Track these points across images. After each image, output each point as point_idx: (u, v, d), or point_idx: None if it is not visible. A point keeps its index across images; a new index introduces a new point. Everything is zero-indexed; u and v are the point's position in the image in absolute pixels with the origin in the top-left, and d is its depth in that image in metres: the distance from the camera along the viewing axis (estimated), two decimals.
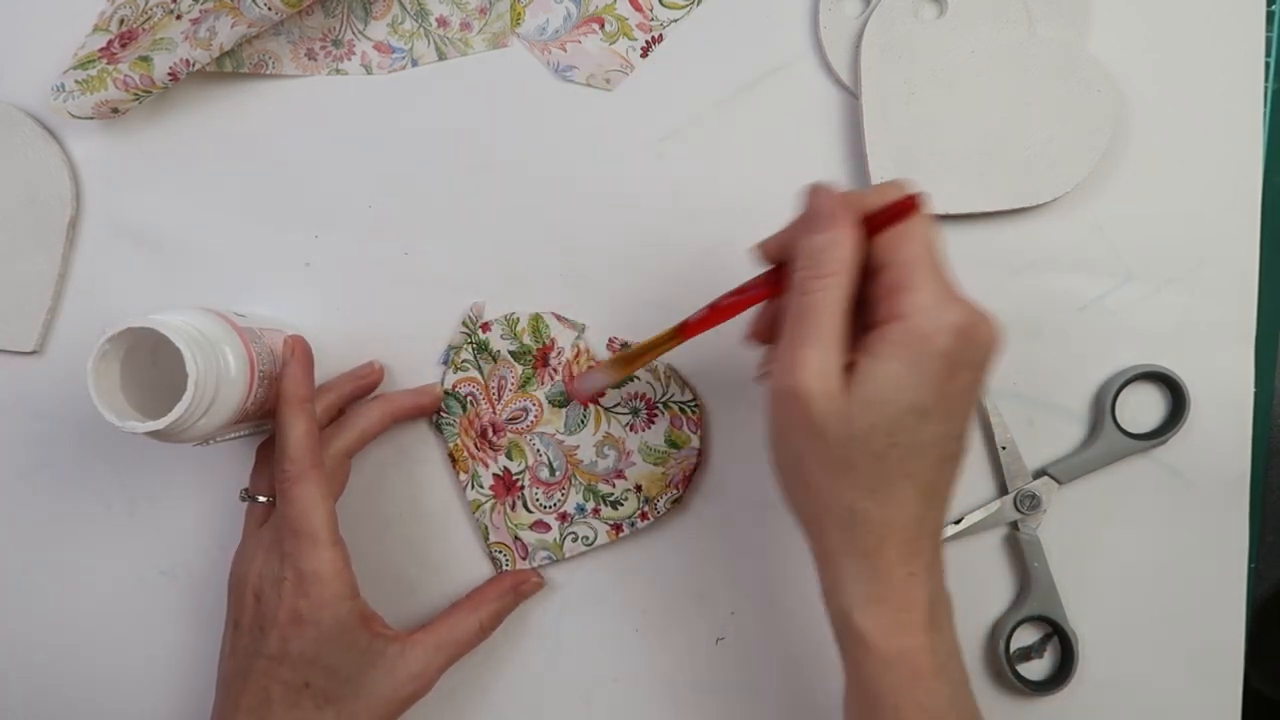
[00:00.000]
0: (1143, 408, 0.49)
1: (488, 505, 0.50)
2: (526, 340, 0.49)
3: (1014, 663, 0.49)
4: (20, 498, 0.51)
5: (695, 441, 0.49)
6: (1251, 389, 0.49)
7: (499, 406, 0.49)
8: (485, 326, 0.49)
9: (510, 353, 0.49)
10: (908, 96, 0.47)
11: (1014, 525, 0.49)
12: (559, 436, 0.49)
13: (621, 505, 0.49)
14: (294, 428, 0.43)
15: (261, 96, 0.50)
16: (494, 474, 0.50)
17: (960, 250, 0.49)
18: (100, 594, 0.51)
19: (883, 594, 0.35)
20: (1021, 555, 0.49)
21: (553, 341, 0.49)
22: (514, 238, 0.50)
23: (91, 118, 0.47)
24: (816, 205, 0.35)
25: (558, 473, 0.49)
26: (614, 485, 0.49)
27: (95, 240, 0.50)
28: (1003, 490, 0.49)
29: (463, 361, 0.49)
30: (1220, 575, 0.49)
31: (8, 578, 0.51)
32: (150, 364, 0.42)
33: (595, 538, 0.49)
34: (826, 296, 0.34)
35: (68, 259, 0.50)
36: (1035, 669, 0.50)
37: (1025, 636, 0.50)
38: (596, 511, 0.49)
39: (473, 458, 0.50)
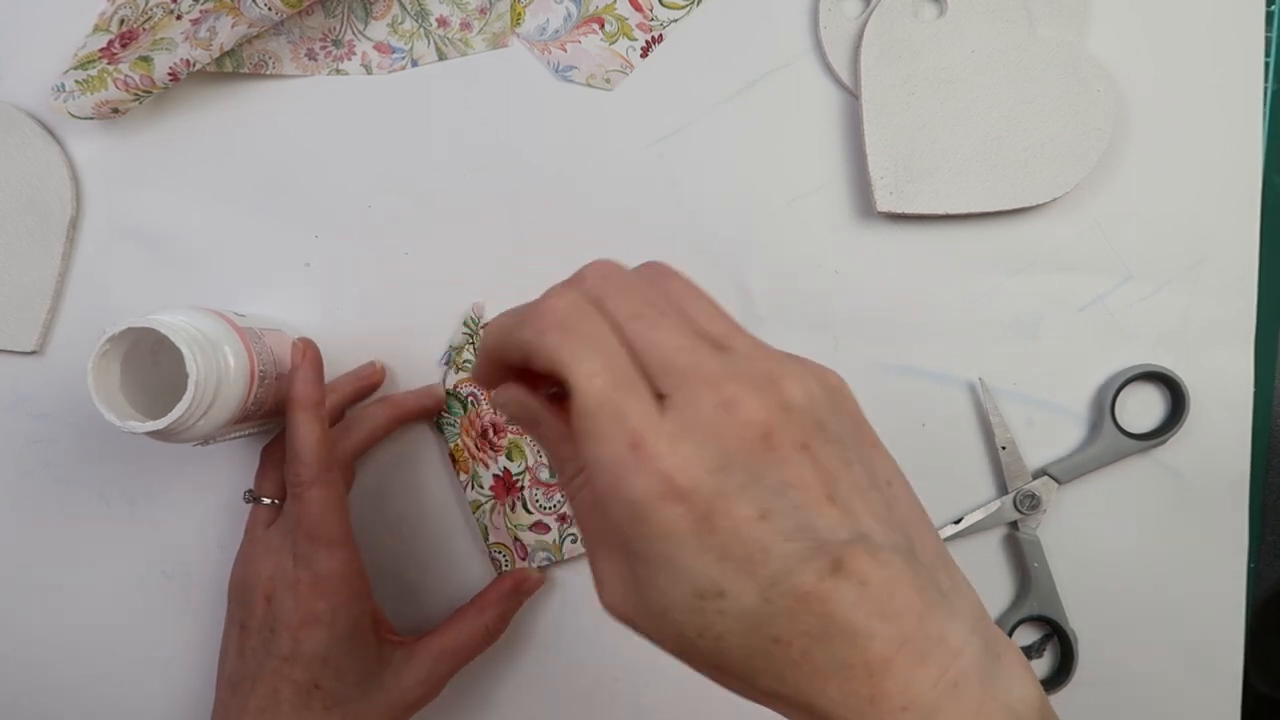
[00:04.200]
0: (1143, 408, 0.49)
1: (488, 506, 0.50)
2: None
3: None
4: (20, 497, 0.51)
5: None
6: (1251, 389, 0.49)
7: None
8: (486, 327, 0.49)
9: None
10: (908, 96, 0.47)
11: (1014, 525, 0.49)
12: None
13: None
14: (308, 432, 0.43)
15: (261, 96, 0.50)
16: (494, 474, 0.50)
17: (960, 250, 0.49)
18: (100, 594, 0.51)
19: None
20: (1021, 555, 0.49)
21: None
22: (514, 238, 0.50)
23: (91, 118, 0.47)
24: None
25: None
26: None
27: (95, 240, 0.50)
28: (1002, 490, 0.49)
29: (464, 362, 0.49)
30: (1220, 575, 0.49)
31: (8, 578, 0.51)
32: (150, 364, 0.42)
33: None
34: (580, 500, 0.29)
35: (68, 259, 0.50)
36: (1035, 669, 0.50)
37: (1025, 636, 0.50)
38: None
39: (473, 458, 0.50)
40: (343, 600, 0.42)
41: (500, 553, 0.50)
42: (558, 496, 0.49)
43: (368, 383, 0.49)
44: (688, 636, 0.26)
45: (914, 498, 0.30)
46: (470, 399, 0.49)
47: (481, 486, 0.50)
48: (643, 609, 0.27)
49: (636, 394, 0.26)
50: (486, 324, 0.29)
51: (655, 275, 0.29)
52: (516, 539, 0.49)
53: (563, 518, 0.49)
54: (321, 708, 0.42)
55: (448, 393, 0.49)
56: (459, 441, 0.50)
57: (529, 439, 0.49)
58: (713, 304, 0.29)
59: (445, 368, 0.50)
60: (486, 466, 0.50)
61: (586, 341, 0.26)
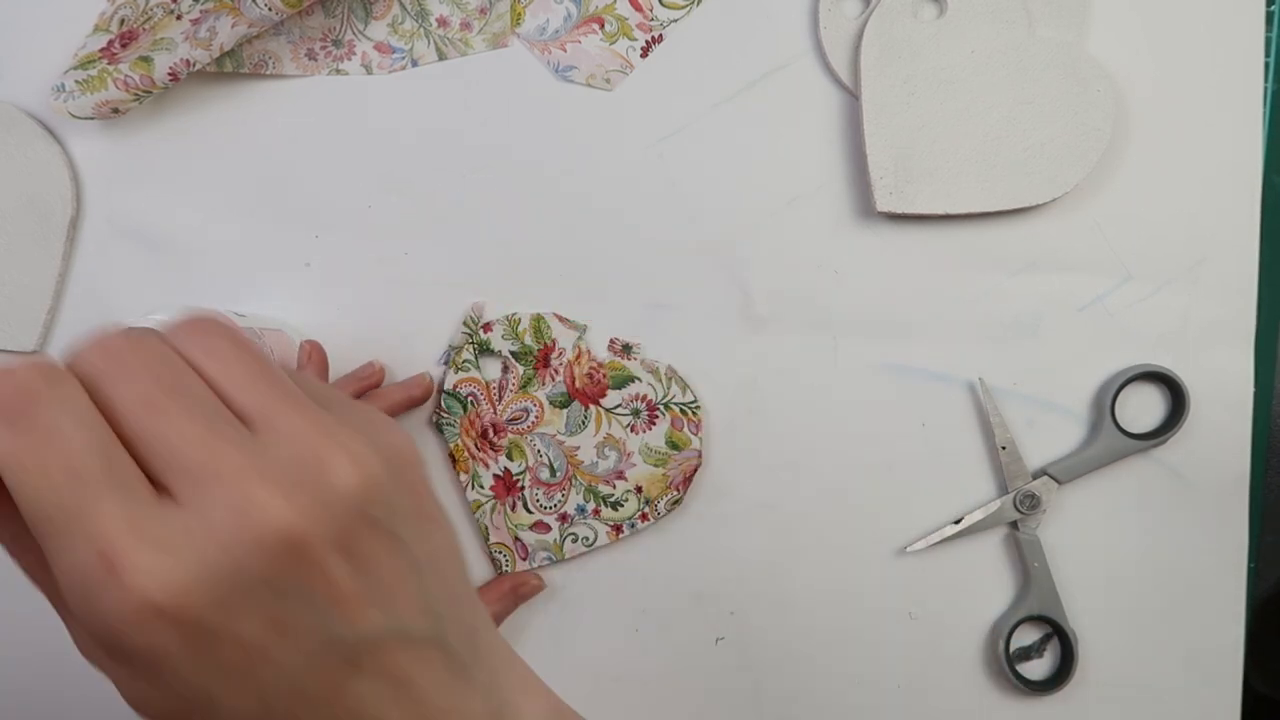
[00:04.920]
0: (1143, 408, 0.49)
1: (488, 506, 0.50)
2: (528, 341, 0.49)
3: (1014, 662, 0.49)
4: None
5: (696, 443, 0.49)
6: (1251, 389, 0.49)
7: (500, 407, 0.49)
8: (487, 327, 0.49)
9: (511, 353, 0.49)
10: (908, 96, 0.47)
11: (1014, 525, 0.49)
12: (559, 437, 0.49)
13: (622, 506, 0.49)
14: None
15: (261, 96, 0.50)
16: (494, 474, 0.50)
17: (960, 250, 0.49)
18: None
19: None
20: (1021, 555, 0.49)
21: (554, 342, 0.49)
22: (514, 238, 0.50)
23: (92, 118, 0.47)
24: None
25: (558, 473, 0.49)
26: (614, 486, 0.49)
27: (95, 240, 0.50)
28: (1003, 490, 0.49)
29: (464, 362, 0.49)
30: (1220, 575, 0.49)
31: (7, 578, 0.51)
32: None
33: (595, 539, 0.49)
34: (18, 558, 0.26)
35: (68, 259, 0.50)
36: (1035, 669, 0.50)
37: (1025, 636, 0.50)
38: (597, 512, 0.49)
39: (473, 458, 0.50)
40: None
41: (501, 553, 0.50)
42: (558, 496, 0.49)
43: (367, 383, 0.49)
44: None
45: (458, 569, 0.28)
46: (470, 399, 0.49)
47: (482, 486, 0.50)
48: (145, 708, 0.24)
49: (113, 494, 0.21)
50: None
51: (184, 339, 0.24)
52: (517, 539, 0.49)
53: (563, 517, 0.49)
54: None
55: (448, 393, 0.49)
56: (459, 441, 0.50)
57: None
58: (256, 366, 0.24)
59: (445, 368, 0.50)
60: (486, 466, 0.50)
61: (43, 433, 0.21)
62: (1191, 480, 0.49)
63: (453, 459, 0.50)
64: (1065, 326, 0.49)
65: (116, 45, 0.48)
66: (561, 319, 0.49)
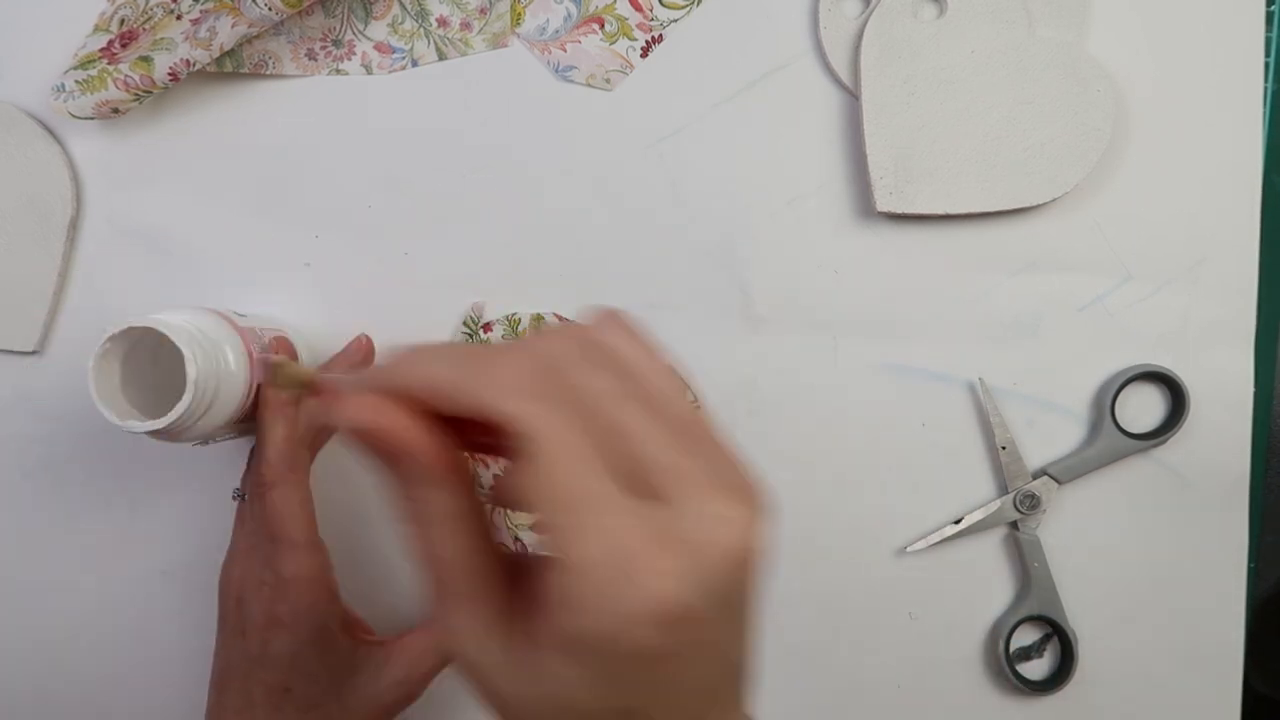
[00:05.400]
0: (1143, 408, 0.49)
1: (488, 506, 0.50)
2: None
3: (1014, 662, 0.49)
4: (20, 497, 0.51)
5: None
6: (1251, 389, 0.49)
7: None
8: (487, 327, 0.49)
9: None
10: (908, 96, 0.47)
11: (1014, 525, 0.49)
12: None
13: None
14: (272, 431, 0.42)
15: (261, 96, 0.50)
16: (494, 474, 0.50)
17: (960, 250, 0.49)
18: (100, 594, 0.51)
19: None
20: (1021, 555, 0.49)
21: None
22: (514, 238, 0.50)
23: (92, 118, 0.47)
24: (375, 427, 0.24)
25: None
26: None
27: (95, 240, 0.50)
28: (1003, 490, 0.49)
29: None
30: (1220, 575, 0.49)
31: (7, 578, 0.51)
32: (151, 363, 0.42)
33: None
34: (442, 551, 0.25)
35: (68, 259, 0.50)
36: (1035, 669, 0.50)
37: (1025, 636, 0.50)
38: None
39: (473, 458, 0.50)
40: (306, 604, 0.41)
41: None
42: None
43: (358, 360, 0.48)
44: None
45: None
46: None
47: (482, 487, 0.50)
48: (520, 684, 0.23)
49: (621, 487, 0.22)
50: (406, 357, 0.25)
51: (613, 341, 0.24)
52: (517, 539, 0.49)
53: None
54: (295, 710, 0.42)
55: None
56: None
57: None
58: (671, 372, 0.25)
59: None
60: (487, 467, 0.50)
61: (565, 420, 0.22)
62: (1191, 480, 0.49)
63: None
64: (1065, 326, 0.49)
65: (116, 45, 0.48)
66: (561, 319, 0.49)
